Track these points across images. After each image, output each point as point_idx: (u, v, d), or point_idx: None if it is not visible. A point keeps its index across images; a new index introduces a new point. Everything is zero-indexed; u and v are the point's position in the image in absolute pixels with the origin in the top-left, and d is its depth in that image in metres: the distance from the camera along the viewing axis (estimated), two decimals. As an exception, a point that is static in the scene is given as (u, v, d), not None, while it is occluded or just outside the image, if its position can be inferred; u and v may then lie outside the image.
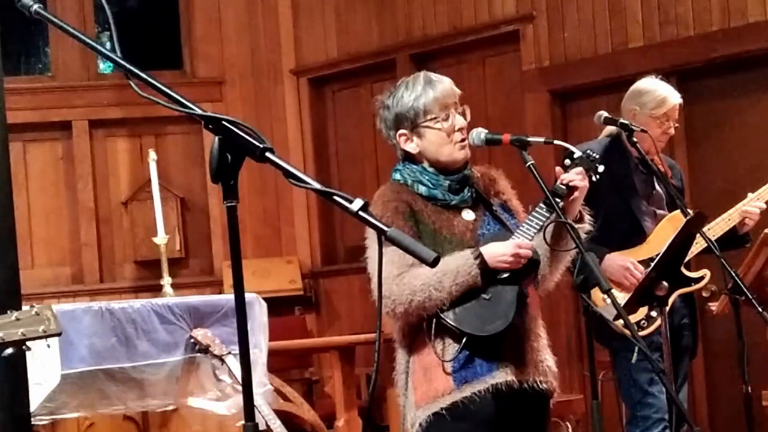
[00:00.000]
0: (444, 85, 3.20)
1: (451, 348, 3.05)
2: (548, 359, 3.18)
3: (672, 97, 4.40)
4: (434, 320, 3.05)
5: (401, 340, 3.17)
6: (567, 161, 3.18)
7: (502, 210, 3.27)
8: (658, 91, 4.40)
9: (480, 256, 3.04)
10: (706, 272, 4.29)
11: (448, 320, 3.04)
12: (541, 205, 3.14)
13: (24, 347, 2.46)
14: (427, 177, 3.19)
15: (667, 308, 4.14)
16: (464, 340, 3.02)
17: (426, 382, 3.08)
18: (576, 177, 3.13)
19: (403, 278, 3.02)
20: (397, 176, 3.24)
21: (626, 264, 4.25)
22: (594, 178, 3.19)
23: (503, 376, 3.05)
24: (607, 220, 4.24)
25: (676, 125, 4.48)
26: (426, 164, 3.21)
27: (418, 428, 3.09)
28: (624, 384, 4.38)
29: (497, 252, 3.06)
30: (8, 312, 2.46)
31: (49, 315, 2.47)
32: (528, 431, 3.19)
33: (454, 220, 3.17)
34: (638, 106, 4.38)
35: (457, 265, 3.02)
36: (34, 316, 2.46)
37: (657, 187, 4.46)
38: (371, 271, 3.15)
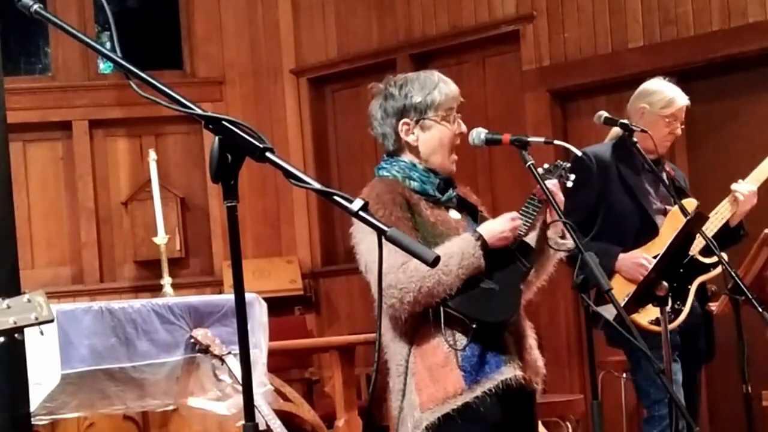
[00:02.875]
0: (455, 87, 3.24)
1: (461, 340, 3.00)
2: (539, 360, 3.19)
3: (680, 98, 4.49)
4: (442, 310, 2.98)
5: (400, 337, 3.07)
6: (540, 170, 3.18)
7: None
8: (667, 91, 4.48)
9: (480, 236, 3.04)
10: (721, 255, 4.30)
11: (459, 310, 2.98)
12: (532, 196, 3.16)
13: (17, 336, 2.41)
14: (417, 173, 3.18)
15: (688, 303, 4.20)
16: (474, 326, 2.97)
17: (432, 383, 3.00)
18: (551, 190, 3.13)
19: (408, 266, 2.95)
20: (384, 173, 3.21)
21: (639, 260, 4.27)
22: (568, 185, 3.21)
23: (511, 370, 3.04)
24: (620, 219, 4.35)
25: (682, 126, 4.53)
26: (416, 161, 3.20)
27: (424, 431, 3.00)
28: (642, 383, 4.38)
29: (495, 229, 3.07)
30: None
31: (41, 302, 2.40)
32: (523, 430, 3.19)
33: (447, 215, 3.18)
34: (647, 104, 4.46)
35: (460, 247, 3.01)
36: (25, 304, 2.39)
37: (664, 184, 4.51)
38: (364, 267, 3.08)
